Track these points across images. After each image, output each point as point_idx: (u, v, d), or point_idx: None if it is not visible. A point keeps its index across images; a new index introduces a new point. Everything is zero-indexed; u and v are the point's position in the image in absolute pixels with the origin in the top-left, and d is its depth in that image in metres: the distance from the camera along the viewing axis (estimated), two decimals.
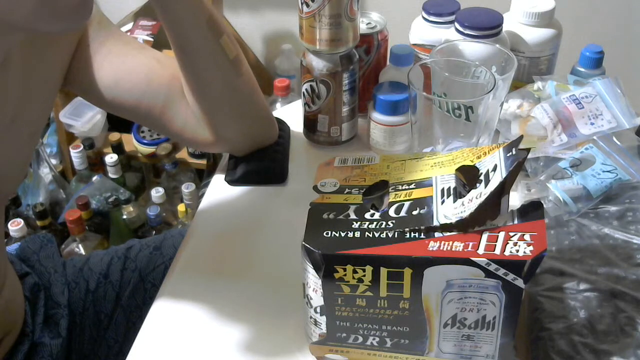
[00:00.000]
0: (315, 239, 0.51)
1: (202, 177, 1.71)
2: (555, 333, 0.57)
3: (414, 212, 0.52)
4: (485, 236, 0.50)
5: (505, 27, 0.82)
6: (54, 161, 1.77)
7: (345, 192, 0.56)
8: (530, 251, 0.48)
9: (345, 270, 0.50)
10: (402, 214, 0.52)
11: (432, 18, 0.85)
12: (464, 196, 0.53)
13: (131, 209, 1.54)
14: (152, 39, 1.66)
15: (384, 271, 0.50)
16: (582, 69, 0.85)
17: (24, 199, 1.55)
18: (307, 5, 0.75)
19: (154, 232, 1.50)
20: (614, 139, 0.73)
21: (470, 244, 0.50)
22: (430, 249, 0.49)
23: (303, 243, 0.51)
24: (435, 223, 0.51)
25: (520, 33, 0.84)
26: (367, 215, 0.53)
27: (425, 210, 0.52)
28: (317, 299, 0.54)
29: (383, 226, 0.52)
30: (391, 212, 0.53)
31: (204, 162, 1.69)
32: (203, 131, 0.74)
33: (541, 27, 0.84)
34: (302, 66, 0.81)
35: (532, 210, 0.51)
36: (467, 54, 0.74)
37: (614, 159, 0.71)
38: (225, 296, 0.66)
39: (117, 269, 0.84)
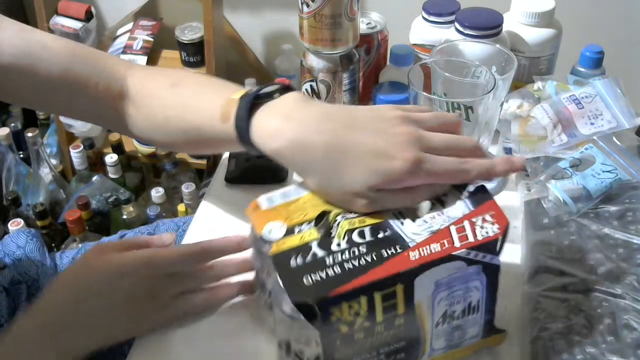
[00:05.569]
0: (300, 290, 0.48)
1: (202, 177, 1.71)
2: (555, 333, 0.57)
3: (380, 236, 0.52)
4: (453, 229, 0.51)
5: (505, 27, 0.82)
6: (54, 161, 1.77)
7: (296, 231, 0.52)
8: (498, 228, 0.51)
9: (341, 309, 0.48)
10: (368, 238, 0.51)
11: (432, 18, 0.85)
12: (419, 216, 0.53)
13: (131, 209, 1.54)
14: (152, 39, 1.66)
15: (377, 296, 0.49)
16: (582, 69, 0.85)
17: (24, 199, 1.55)
18: (307, 5, 0.75)
19: None
20: (614, 139, 0.73)
21: (445, 241, 0.51)
22: (413, 258, 0.49)
23: (290, 301, 0.48)
24: (411, 243, 0.51)
25: (520, 33, 0.84)
26: (334, 247, 0.51)
27: (390, 232, 0.52)
28: (312, 352, 0.51)
29: (357, 253, 0.50)
30: (355, 238, 0.51)
31: (204, 162, 1.69)
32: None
33: (541, 27, 0.84)
34: (302, 66, 0.81)
35: (479, 194, 0.54)
36: (467, 54, 0.74)
37: (614, 159, 0.71)
38: None
39: None
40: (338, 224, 0.53)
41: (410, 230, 0.52)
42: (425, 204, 0.54)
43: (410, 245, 0.50)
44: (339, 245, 0.51)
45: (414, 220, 0.53)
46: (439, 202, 0.54)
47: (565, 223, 0.67)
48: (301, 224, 0.53)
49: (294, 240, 0.51)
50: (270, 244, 0.51)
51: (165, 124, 0.63)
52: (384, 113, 0.54)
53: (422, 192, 0.54)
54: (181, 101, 0.62)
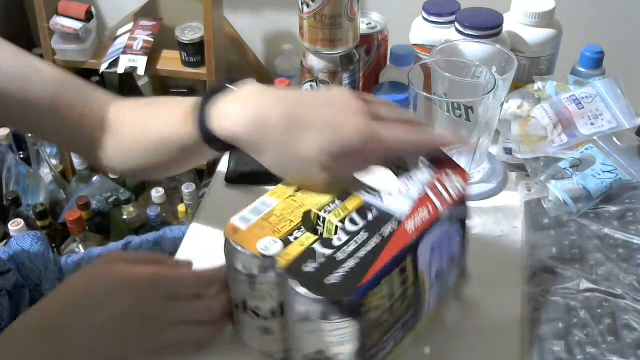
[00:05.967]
0: (330, 291, 0.48)
1: (202, 177, 1.71)
2: (555, 333, 0.57)
3: (370, 217, 0.53)
4: (430, 193, 0.54)
5: (505, 27, 0.82)
6: (54, 161, 1.77)
7: (293, 240, 0.52)
8: (464, 181, 0.55)
9: (369, 297, 0.48)
10: (361, 223, 0.52)
11: (432, 18, 0.85)
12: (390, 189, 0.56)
13: (131, 209, 1.54)
14: (152, 39, 1.66)
15: (395, 274, 0.50)
16: (582, 69, 0.85)
17: (24, 199, 1.55)
18: (307, 5, 0.75)
19: None
20: (614, 139, 0.73)
21: (429, 205, 0.53)
22: (410, 231, 0.51)
23: (328, 303, 0.48)
24: (401, 215, 0.52)
25: (520, 33, 0.84)
26: (336, 242, 0.51)
27: (377, 211, 0.53)
28: (348, 350, 0.51)
29: (360, 241, 0.51)
30: (349, 227, 0.52)
31: (204, 161, 1.69)
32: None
33: (541, 27, 0.84)
34: (302, 66, 0.81)
35: (435, 156, 0.57)
36: (467, 54, 0.74)
37: (614, 159, 0.71)
38: None
39: None
40: (323, 220, 0.53)
41: (393, 202, 0.54)
42: (392, 175, 0.56)
43: (402, 218, 0.52)
44: (339, 239, 0.51)
45: (390, 193, 0.55)
46: (401, 169, 0.57)
47: (565, 223, 0.67)
48: (292, 231, 0.52)
49: (295, 249, 0.51)
50: (275, 260, 0.50)
51: (137, 146, 0.64)
52: (335, 92, 0.57)
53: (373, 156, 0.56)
54: (149, 118, 0.64)
